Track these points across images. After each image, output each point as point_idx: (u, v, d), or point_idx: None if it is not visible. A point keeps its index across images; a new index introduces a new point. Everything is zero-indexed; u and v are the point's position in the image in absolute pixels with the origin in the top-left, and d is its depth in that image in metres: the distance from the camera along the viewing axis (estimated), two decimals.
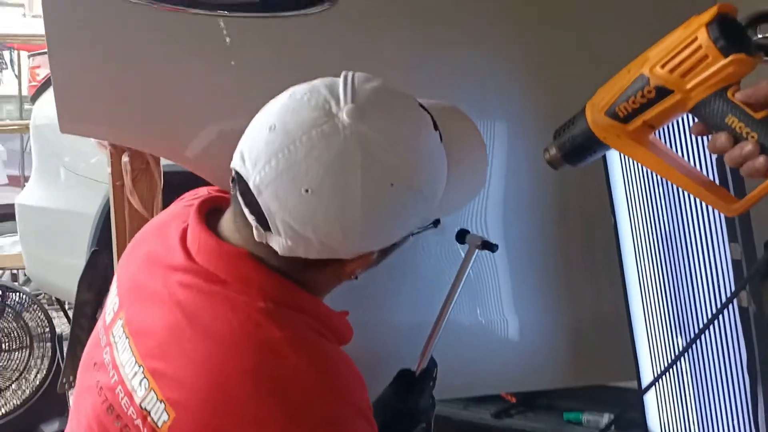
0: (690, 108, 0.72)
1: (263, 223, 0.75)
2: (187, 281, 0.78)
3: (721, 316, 0.95)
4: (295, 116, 0.74)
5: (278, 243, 0.76)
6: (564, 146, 0.82)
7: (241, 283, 0.77)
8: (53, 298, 3.12)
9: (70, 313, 2.85)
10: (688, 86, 0.70)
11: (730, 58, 0.68)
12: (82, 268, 2.06)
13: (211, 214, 0.85)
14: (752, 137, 0.69)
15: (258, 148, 0.74)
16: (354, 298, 0.93)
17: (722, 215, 0.95)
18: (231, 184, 0.79)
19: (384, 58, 1.14)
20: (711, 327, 0.97)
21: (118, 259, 1.63)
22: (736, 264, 0.93)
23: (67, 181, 2.26)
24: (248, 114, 1.03)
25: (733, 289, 0.93)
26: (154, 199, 1.55)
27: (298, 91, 0.77)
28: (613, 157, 1.14)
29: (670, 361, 1.11)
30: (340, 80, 0.77)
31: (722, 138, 0.70)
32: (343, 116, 0.73)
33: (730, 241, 0.92)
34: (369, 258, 0.80)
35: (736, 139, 0.70)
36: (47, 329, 2.91)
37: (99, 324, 0.89)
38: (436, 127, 0.81)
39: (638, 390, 1.20)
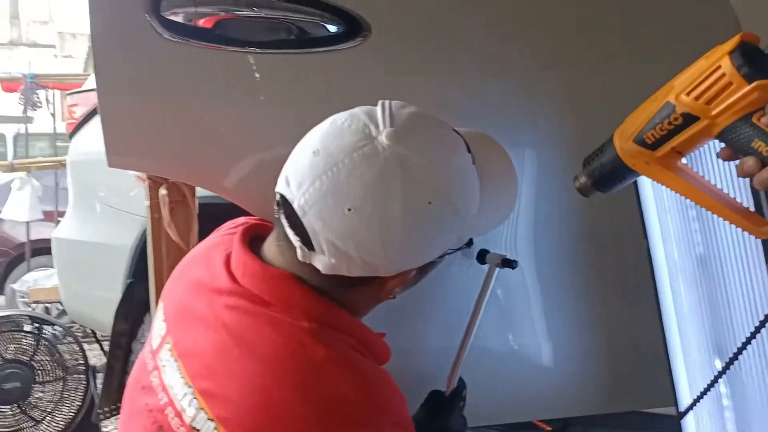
0: (716, 134, 0.74)
1: (307, 242, 0.79)
2: (233, 303, 0.81)
3: (759, 337, 0.95)
4: (337, 140, 0.77)
5: (322, 261, 0.79)
6: (593, 174, 0.84)
7: (285, 304, 0.80)
8: (87, 330, 3.17)
9: (104, 345, 2.90)
10: (714, 113, 0.72)
11: (754, 84, 0.70)
12: (117, 300, 2.10)
13: (253, 240, 0.89)
14: None
15: (302, 172, 0.78)
16: (385, 320, 0.94)
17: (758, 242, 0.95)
18: (275, 208, 0.83)
19: (414, 91, 1.17)
20: (749, 349, 0.97)
21: (155, 290, 1.68)
22: None
23: (103, 214, 2.32)
24: (283, 146, 1.07)
25: None
26: (190, 230, 1.59)
27: (339, 118, 0.81)
28: (644, 180, 1.14)
29: (708, 382, 1.10)
30: (378, 107, 0.81)
31: (750, 162, 0.72)
32: (383, 139, 0.77)
33: (767, 262, 0.92)
34: (407, 276, 0.83)
35: (764, 162, 0.71)
36: (81, 361, 2.95)
37: (145, 349, 0.91)
38: (469, 150, 0.85)
39: (676, 415, 1.19)
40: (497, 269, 1.14)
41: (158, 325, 0.91)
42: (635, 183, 1.15)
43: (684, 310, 1.13)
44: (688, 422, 1.17)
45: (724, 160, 0.78)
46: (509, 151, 0.96)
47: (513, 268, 1.12)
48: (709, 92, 0.72)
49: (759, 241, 0.95)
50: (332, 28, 1.13)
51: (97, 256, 2.33)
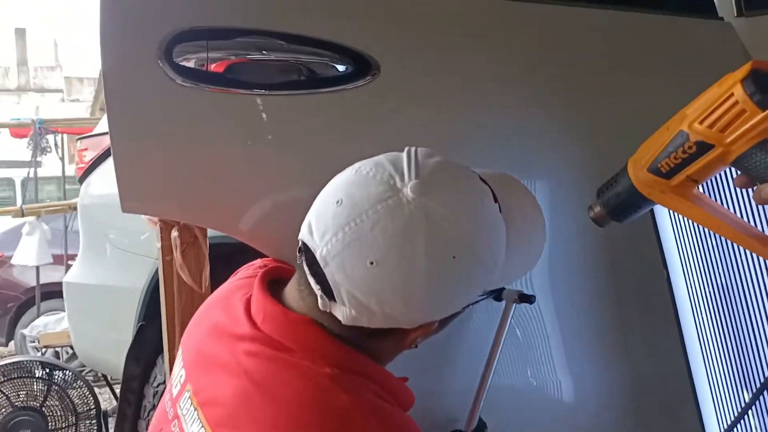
0: (731, 161, 0.74)
1: (328, 292, 0.77)
2: (254, 350, 0.80)
3: None
4: (362, 191, 0.76)
5: (342, 312, 0.77)
6: (608, 203, 0.83)
7: (306, 350, 0.79)
8: (98, 374, 3.15)
9: (115, 388, 2.87)
10: (728, 140, 0.72)
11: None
12: (128, 342, 2.09)
13: (273, 283, 0.88)
14: None
15: (325, 221, 0.76)
16: (405, 362, 0.93)
17: None
18: (297, 254, 0.82)
19: (427, 126, 1.17)
20: None
21: (168, 332, 1.67)
22: None
23: (114, 257, 2.32)
24: (297, 187, 1.07)
25: None
26: (202, 272, 1.58)
27: (364, 166, 0.80)
28: (661, 209, 1.14)
29: (736, 415, 1.08)
30: (404, 156, 0.80)
31: (767, 189, 0.71)
32: (408, 191, 0.75)
33: None
34: (430, 327, 0.82)
35: None
36: (92, 406, 2.92)
37: (165, 397, 0.90)
38: (495, 200, 0.83)
39: None
40: (514, 305, 1.13)
41: (177, 372, 0.90)
42: (652, 212, 1.14)
43: (708, 341, 1.11)
44: None
45: (740, 188, 0.77)
46: (523, 181, 0.96)
47: (531, 303, 1.11)
48: (723, 120, 0.72)
49: None
50: (341, 68, 1.13)
51: (108, 300, 2.32)
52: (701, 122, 0.73)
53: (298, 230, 0.81)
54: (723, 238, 1.04)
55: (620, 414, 1.31)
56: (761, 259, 0.97)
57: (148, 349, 2.06)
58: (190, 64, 1.05)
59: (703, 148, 0.74)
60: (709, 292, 1.08)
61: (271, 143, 1.10)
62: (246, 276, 0.96)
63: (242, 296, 0.88)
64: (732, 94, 0.71)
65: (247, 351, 0.80)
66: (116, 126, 1.01)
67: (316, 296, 0.79)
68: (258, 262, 1.03)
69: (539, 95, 1.23)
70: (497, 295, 1.15)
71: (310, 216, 0.80)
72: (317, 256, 0.76)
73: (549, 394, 1.30)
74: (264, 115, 1.08)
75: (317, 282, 0.78)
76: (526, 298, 1.11)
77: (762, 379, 1.02)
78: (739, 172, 0.75)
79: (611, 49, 1.32)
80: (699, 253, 1.08)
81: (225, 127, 1.08)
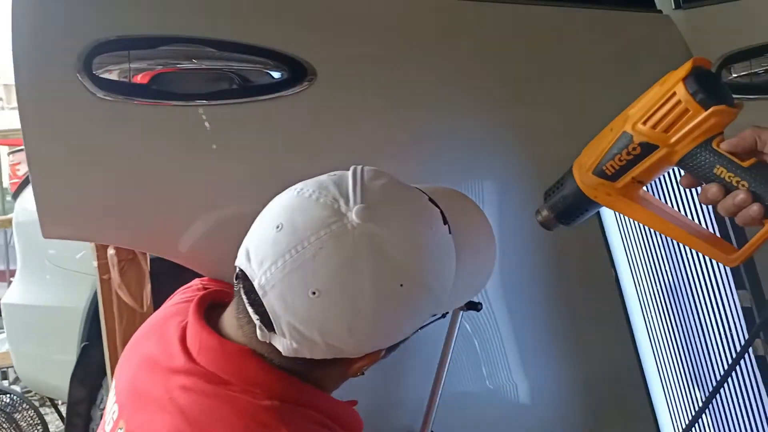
0: (676, 161, 0.73)
1: (267, 323, 0.73)
2: (189, 384, 0.74)
3: (738, 368, 0.92)
4: (304, 216, 0.71)
5: (282, 344, 0.73)
6: (555, 207, 0.82)
7: (244, 382, 0.74)
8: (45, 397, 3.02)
9: (62, 410, 2.75)
10: (672, 140, 0.71)
11: (711, 110, 0.69)
12: (72, 363, 2.00)
13: (210, 309, 0.82)
14: (743, 186, 0.69)
15: (264, 248, 0.71)
16: (356, 378, 0.89)
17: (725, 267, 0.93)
18: (235, 281, 0.77)
19: (366, 128, 1.14)
20: (730, 379, 0.94)
21: (110, 354, 1.59)
22: (746, 311, 0.90)
23: (53, 276, 2.22)
24: (235, 203, 1.02)
25: (746, 336, 0.91)
26: (143, 290, 1.52)
27: (307, 188, 0.75)
28: (607, 211, 1.12)
29: (689, 413, 1.08)
30: (350, 177, 0.75)
31: (713, 189, 0.70)
32: (353, 216, 0.71)
33: (737, 288, 0.90)
34: (377, 355, 0.78)
35: (727, 188, 0.70)
36: (40, 429, 2.80)
37: (100, 430, 0.85)
38: (445, 221, 0.79)
39: None
40: (461, 313, 1.10)
41: (111, 407, 0.84)
42: (599, 214, 1.12)
43: (658, 339, 1.10)
44: None
45: (686, 188, 0.76)
46: (468, 184, 0.93)
47: (478, 310, 1.08)
48: (666, 120, 0.71)
49: (728, 268, 0.93)
50: (276, 75, 1.09)
51: (49, 320, 2.23)
52: (645, 123, 0.72)
53: (238, 247, 0.76)
54: (669, 240, 1.03)
55: (576, 412, 1.31)
56: (707, 258, 0.96)
57: (93, 371, 1.98)
58: (112, 77, 0.99)
59: (648, 149, 0.72)
60: (657, 291, 1.08)
61: (206, 156, 1.04)
62: (182, 300, 0.91)
63: (177, 324, 0.82)
64: (674, 94, 0.70)
65: (181, 386, 0.75)
66: (32, 145, 0.94)
67: (255, 326, 0.74)
68: (196, 283, 0.98)
69: (480, 98, 1.21)
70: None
71: (248, 241, 0.75)
72: (255, 284, 0.71)
73: (504, 397, 1.29)
74: (197, 128, 1.02)
75: (255, 312, 0.73)
76: (473, 306, 1.08)
77: (713, 378, 1.01)
78: (684, 172, 0.73)
79: (551, 46, 1.31)
80: (645, 254, 1.08)
81: (154, 141, 1.02)
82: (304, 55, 1.08)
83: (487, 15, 1.27)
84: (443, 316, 0.86)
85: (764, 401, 0.88)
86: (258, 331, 0.73)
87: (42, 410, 2.88)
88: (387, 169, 0.80)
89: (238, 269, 0.75)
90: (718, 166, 0.70)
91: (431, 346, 1.16)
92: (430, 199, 0.81)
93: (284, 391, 0.74)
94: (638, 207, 0.77)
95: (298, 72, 1.08)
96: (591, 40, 1.36)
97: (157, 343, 0.83)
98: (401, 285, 0.71)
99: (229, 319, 0.79)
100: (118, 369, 0.90)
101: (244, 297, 0.74)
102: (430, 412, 1.13)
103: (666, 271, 1.05)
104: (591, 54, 1.34)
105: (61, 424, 2.67)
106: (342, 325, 0.70)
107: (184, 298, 0.92)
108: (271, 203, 0.77)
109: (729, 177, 0.70)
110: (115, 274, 1.49)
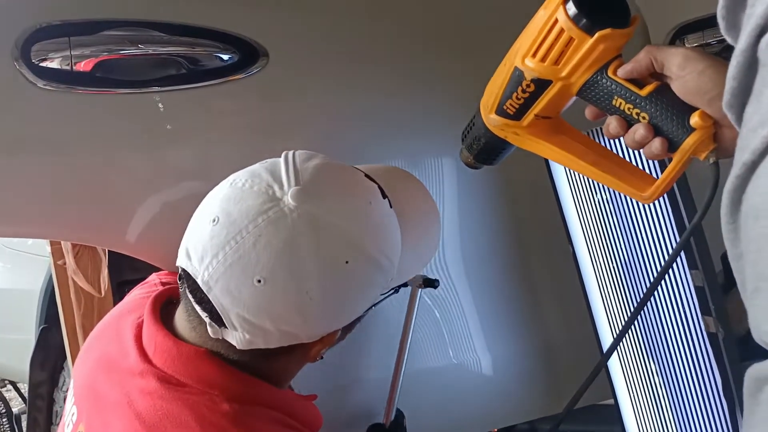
0: (576, 93, 0.67)
1: (217, 319, 0.72)
2: (146, 387, 0.74)
3: (692, 345, 0.95)
4: (239, 205, 0.71)
5: (235, 338, 0.72)
6: (472, 148, 0.78)
7: (201, 384, 0.74)
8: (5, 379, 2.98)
9: (23, 390, 2.72)
10: (564, 73, 0.65)
11: (597, 35, 0.62)
12: (32, 345, 1.97)
13: (166, 307, 0.81)
14: (643, 118, 0.63)
15: (203, 243, 0.71)
16: (319, 361, 0.89)
17: (677, 240, 0.95)
18: (179, 281, 0.75)
19: (322, 113, 1.12)
20: (683, 356, 0.97)
21: (69, 339, 1.56)
22: (698, 290, 0.93)
23: (10, 258, 2.17)
24: (191, 191, 0.99)
25: (698, 311, 0.93)
26: (99, 275, 1.48)
27: (239, 178, 0.74)
28: (563, 184, 1.13)
29: (644, 381, 1.11)
30: (281, 162, 0.74)
31: (614, 123, 0.65)
32: (288, 199, 0.71)
33: (690, 269, 0.92)
34: (333, 337, 0.78)
35: (629, 122, 0.64)
36: (2, 410, 2.77)
37: (58, 430, 0.84)
38: (384, 195, 0.79)
39: (615, 405, 1.19)
40: (420, 290, 1.11)
41: (69, 408, 0.83)
42: (555, 191, 1.13)
43: (612, 310, 1.13)
44: (626, 409, 1.18)
45: (593, 120, 0.69)
46: (417, 172, 0.92)
47: (435, 287, 1.09)
48: (553, 52, 0.64)
49: (675, 237, 0.93)
50: (226, 58, 1.05)
51: (6, 302, 2.18)
52: (533, 56, 0.65)
53: None
54: (624, 212, 1.04)
55: (538, 382, 1.34)
56: (659, 232, 0.98)
57: (53, 353, 1.95)
58: (53, 65, 0.94)
59: (542, 84, 0.66)
60: (613, 266, 1.10)
61: (156, 144, 1.01)
62: (140, 296, 0.90)
63: (133, 321, 0.81)
64: (556, 21, 0.63)
65: (139, 389, 0.74)
66: None
67: (206, 326, 0.73)
68: (153, 278, 0.96)
69: (438, 73, 1.19)
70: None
71: (186, 239, 0.74)
72: (199, 281, 0.71)
73: (470, 372, 1.31)
74: (144, 116, 0.99)
75: (203, 309, 0.72)
76: (430, 283, 1.09)
77: (666, 350, 1.04)
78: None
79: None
80: (600, 228, 1.09)
81: (100, 131, 0.98)
82: (256, 37, 1.05)
83: None
84: (396, 291, 0.87)
85: (716, 377, 0.92)
86: (209, 328, 0.73)
87: (3, 391, 2.85)
88: (343, 151, 0.78)
89: (180, 269, 0.74)
90: (616, 97, 0.64)
91: (392, 326, 1.17)
92: (368, 176, 0.80)
93: (243, 391, 0.74)
94: (547, 145, 0.71)
95: (249, 55, 1.05)
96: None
97: (114, 342, 0.82)
98: (346, 262, 0.71)
99: (181, 320, 0.78)
100: (75, 367, 0.89)
101: (190, 296, 0.73)
102: (393, 391, 1.14)
103: (621, 247, 1.07)
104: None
105: (23, 403, 2.64)
106: (292, 309, 0.70)
107: (141, 293, 0.91)
108: (205, 199, 0.76)
109: (628, 109, 0.64)
110: (70, 259, 1.45)
